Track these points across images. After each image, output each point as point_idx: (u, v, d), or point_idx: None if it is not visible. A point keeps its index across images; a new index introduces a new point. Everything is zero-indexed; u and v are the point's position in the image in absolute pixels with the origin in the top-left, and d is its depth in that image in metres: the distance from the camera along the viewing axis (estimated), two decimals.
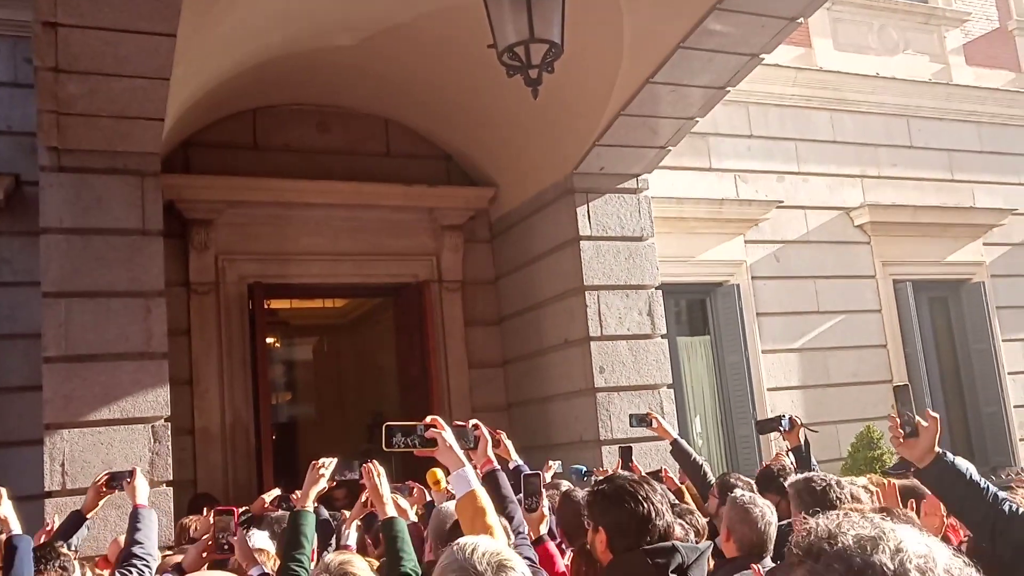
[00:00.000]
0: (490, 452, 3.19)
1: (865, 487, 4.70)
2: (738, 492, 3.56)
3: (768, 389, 9.59)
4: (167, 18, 5.02)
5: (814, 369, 9.83)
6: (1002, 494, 2.70)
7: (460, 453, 2.75)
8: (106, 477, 4.41)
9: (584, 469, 6.15)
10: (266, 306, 8.66)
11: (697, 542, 3.31)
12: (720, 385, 9.57)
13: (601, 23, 6.65)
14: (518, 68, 5.15)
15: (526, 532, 3.05)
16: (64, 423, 5.85)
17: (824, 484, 3.40)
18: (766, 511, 3.34)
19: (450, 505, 3.56)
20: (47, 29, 5.01)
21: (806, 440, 5.26)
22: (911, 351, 10.26)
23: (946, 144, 11.13)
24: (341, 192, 8.25)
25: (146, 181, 6.21)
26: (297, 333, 13.71)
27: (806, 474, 3.63)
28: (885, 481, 4.29)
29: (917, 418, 2.75)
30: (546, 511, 3.51)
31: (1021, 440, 10.76)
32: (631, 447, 6.35)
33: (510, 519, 2.98)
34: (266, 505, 5.23)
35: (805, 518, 1.30)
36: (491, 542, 1.99)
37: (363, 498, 4.60)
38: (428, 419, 2.82)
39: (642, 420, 5.78)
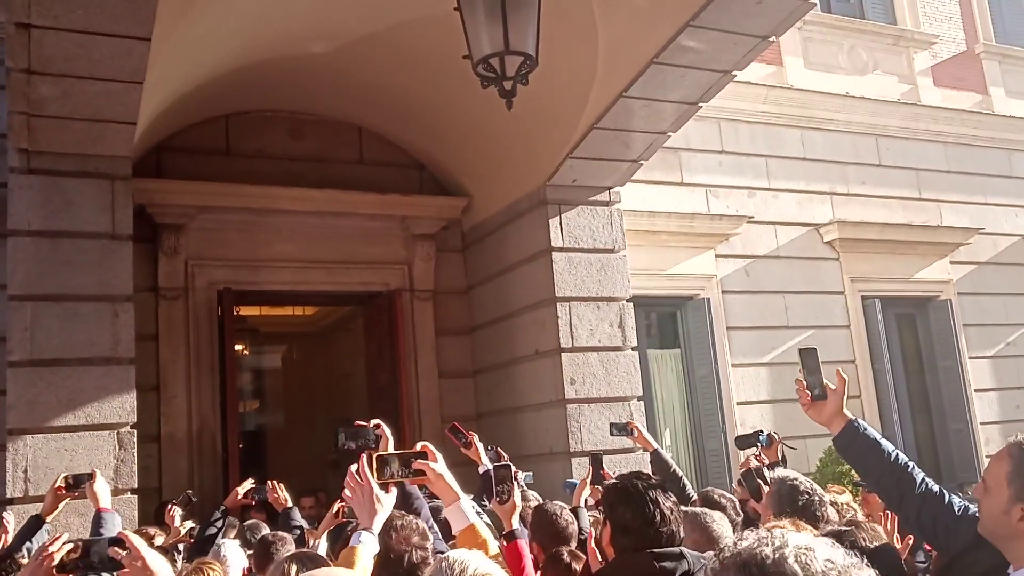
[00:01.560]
0: (391, 451, 3.14)
1: (848, 504, 4.74)
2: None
3: (737, 403, 9.66)
4: (141, 21, 5.00)
5: (783, 383, 9.89)
6: (921, 474, 2.62)
7: (454, 484, 2.71)
8: (64, 481, 4.35)
9: (576, 483, 6.12)
10: (236, 312, 8.59)
11: None
12: (690, 398, 9.62)
13: (576, 37, 6.70)
14: (493, 79, 5.17)
15: (437, 528, 3.06)
16: (28, 428, 5.76)
17: (807, 498, 3.33)
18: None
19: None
20: (20, 30, 4.97)
21: (783, 456, 5.31)
22: (879, 367, 10.38)
23: (914, 163, 11.30)
24: (314, 199, 8.23)
25: (117, 185, 6.16)
26: (266, 340, 13.60)
27: (794, 478, 3.53)
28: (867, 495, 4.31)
29: (826, 381, 2.74)
30: (518, 501, 3.49)
31: (987, 457, 10.91)
32: (601, 455, 6.35)
33: (417, 514, 2.99)
34: (239, 497, 5.19)
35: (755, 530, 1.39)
36: (480, 558, 2.00)
37: (334, 509, 4.58)
38: (419, 446, 2.80)
39: (623, 429, 5.79)
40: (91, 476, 4.23)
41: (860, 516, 4.17)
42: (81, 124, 5.77)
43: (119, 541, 2.31)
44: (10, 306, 5.86)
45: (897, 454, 2.68)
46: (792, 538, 1.29)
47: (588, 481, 5.63)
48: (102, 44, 5.16)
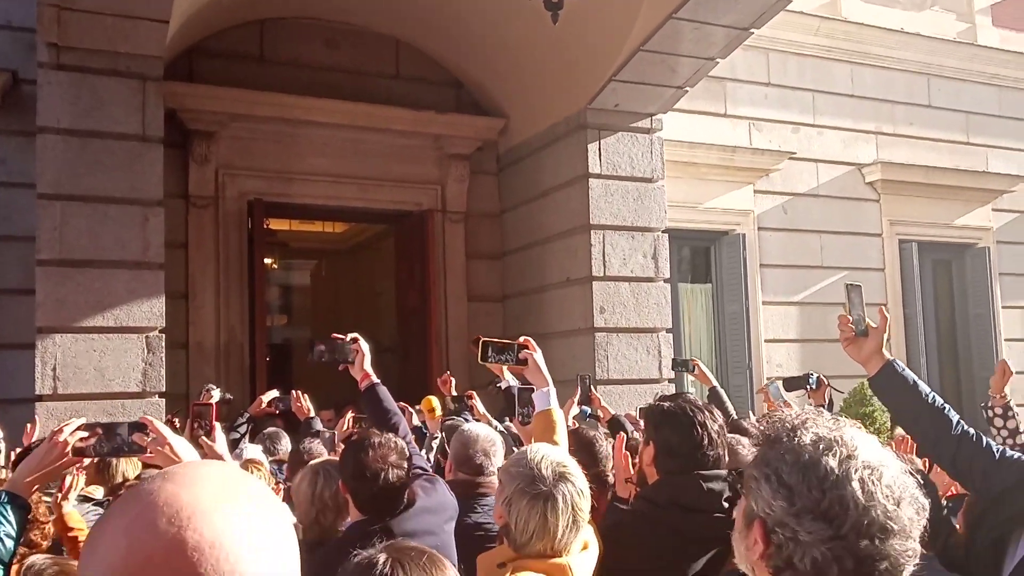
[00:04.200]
0: (368, 367, 3.19)
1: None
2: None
3: (765, 340, 9.55)
4: None
5: (812, 323, 9.77)
6: (956, 416, 2.53)
7: (547, 374, 2.90)
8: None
9: (588, 411, 6.08)
10: (265, 225, 8.53)
11: None
12: (718, 334, 9.52)
13: None
14: None
15: (412, 440, 3.14)
16: (56, 327, 5.77)
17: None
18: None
19: (475, 427, 3.71)
20: None
21: (830, 399, 5.23)
22: (911, 312, 10.21)
23: (965, 106, 10.93)
24: (348, 112, 8.05)
25: (148, 86, 6.03)
26: (296, 256, 13.59)
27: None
28: (901, 435, 4.23)
29: (868, 320, 2.64)
30: None
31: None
32: (589, 376, 6.31)
33: (395, 430, 2.99)
34: (263, 406, 5.19)
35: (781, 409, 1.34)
36: (559, 453, 2.21)
37: (346, 422, 4.55)
38: (521, 339, 2.98)
39: (683, 365, 5.74)
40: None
41: None
42: (112, 19, 5.63)
43: (142, 426, 2.20)
44: (39, 204, 5.81)
45: (934, 396, 2.59)
46: (862, 449, 1.24)
47: (576, 401, 5.59)
48: None
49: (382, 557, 1.63)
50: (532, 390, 3.54)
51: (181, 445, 2.13)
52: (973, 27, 10.98)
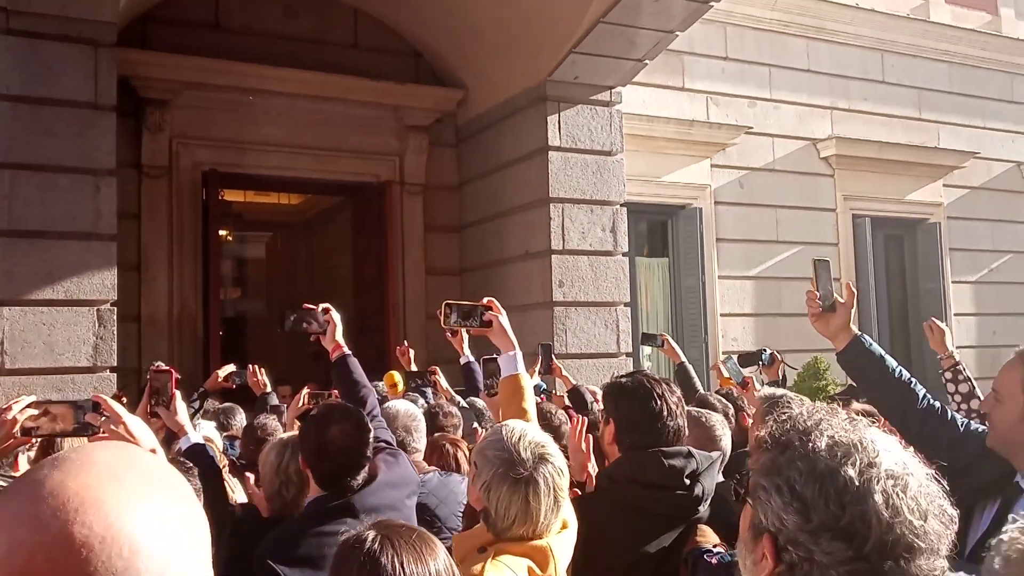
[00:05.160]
0: (339, 338, 3.17)
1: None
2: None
3: (721, 315, 9.67)
4: None
5: (767, 298, 9.92)
6: (923, 390, 2.61)
7: (513, 337, 2.83)
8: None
9: (544, 385, 6.10)
10: (220, 196, 8.39)
11: None
12: (675, 307, 9.62)
13: None
14: None
15: (380, 416, 3.10)
16: (4, 300, 5.62)
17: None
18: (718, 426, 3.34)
19: (395, 404, 3.77)
20: None
21: (783, 375, 5.30)
22: (863, 286, 10.39)
23: (917, 82, 11.10)
24: (305, 82, 7.93)
25: (100, 52, 5.87)
26: (250, 228, 13.40)
27: (780, 395, 3.50)
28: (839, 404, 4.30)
29: (835, 295, 2.69)
30: None
31: None
32: (551, 345, 6.33)
33: (363, 403, 2.98)
34: (219, 380, 5.12)
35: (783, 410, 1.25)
36: (536, 431, 2.15)
37: (301, 398, 4.51)
38: (485, 300, 2.88)
39: (652, 340, 5.75)
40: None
41: None
42: None
43: (95, 405, 2.12)
44: None
45: (900, 370, 2.65)
46: (884, 455, 1.12)
47: (538, 370, 5.62)
48: None
49: (371, 534, 1.61)
50: (495, 360, 3.54)
51: (136, 424, 2.06)
52: (926, 4, 11.12)
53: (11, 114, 5.63)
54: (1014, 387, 2.20)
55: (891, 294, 10.94)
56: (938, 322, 4.38)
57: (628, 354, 7.83)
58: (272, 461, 2.87)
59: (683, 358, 5.46)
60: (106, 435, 2.05)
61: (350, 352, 3.18)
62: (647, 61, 7.70)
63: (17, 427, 2.14)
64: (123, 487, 0.72)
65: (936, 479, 1.16)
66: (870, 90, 10.76)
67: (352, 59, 8.36)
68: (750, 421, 3.99)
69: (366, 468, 2.66)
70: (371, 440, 2.69)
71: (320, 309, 3.18)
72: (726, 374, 5.35)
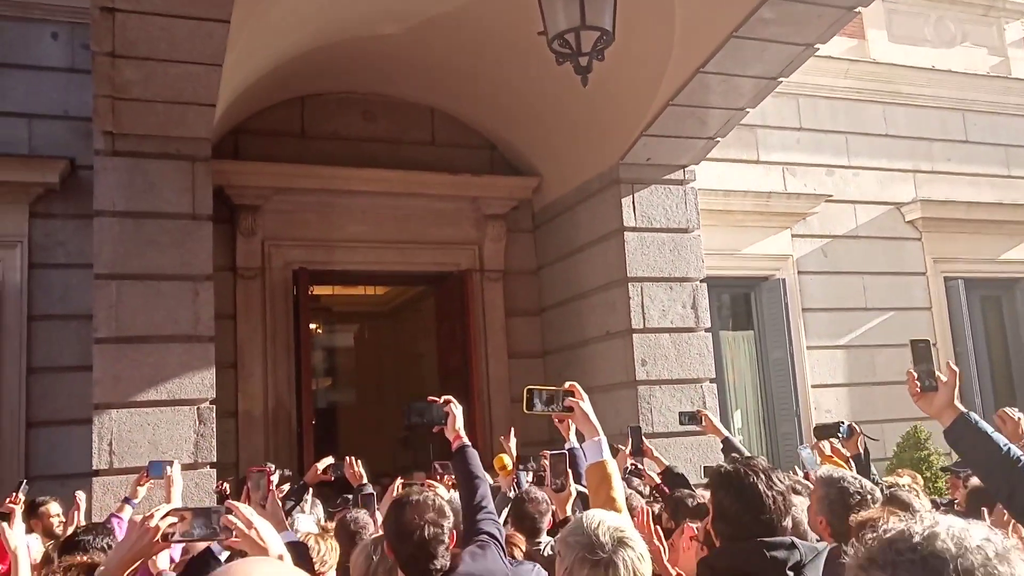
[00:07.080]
0: (459, 428, 3.22)
1: (911, 485, 4.57)
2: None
3: (813, 386, 9.46)
4: (221, 4, 5.06)
5: (860, 366, 9.67)
6: None
7: (596, 422, 2.80)
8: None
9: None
10: (310, 292, 8.73)
11: None
12: (763, 381, 9.45)
13: (652, 11, 6.57)
14: (568, 55, 5.11)
15: (492, 508, 3.08)
16: (113, 403, 5.95)
17: (859, 499, 3.15)
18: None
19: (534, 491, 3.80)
20: (105, 14, 5.08)
21: (866, 449, 5.09)
22: (961, 350, 10.04)
23: (1002, 139, 10.87)
24: (386, 180, 8.28)
25: (197, 166, 6.29)
26: (339, 319, 13.81)
27: (840, 477, 3.31)
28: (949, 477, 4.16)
29: (937, 372, 2.65)
30: (574, 491, 3.53)
31: None
32: (640, 427, 6.28)
33: (473, 493, 3.01)
34: (319, 473, 5.24)
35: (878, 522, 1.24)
36: (616, 518, 2.20)
37: (394, 487, 4.58)
38: (567, 385, 2.87)
39: (692, 418, 5.67)
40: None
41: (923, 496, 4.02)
42: (163, 106, 5.89)
43: (227, 511, 2.21)
44: (95, 284, 6.04)
45: (1009, 447, 2.60)
46: (944, 519, 1.11)
47: (628, 452, 5.56)
48: (183, 27, 5.25)
49: None
50: (564, 457, 3.55)
51: (266, 529, 2.16)
52: (1006, 60, 10.96)
53: (117, 228, 6.06)
54: None
55: (992, 356, 10.53)
56: (1010, 411, 4.23)
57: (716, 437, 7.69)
58: (362, 564, 2.93)
59: (726, 433, 5.35)
60: (238, 539, 2.16)
61: (469, 443, 3.24)
62: (719, 139, 7.78)
63: (159, 535, 2.28)
64: None
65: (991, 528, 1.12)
66: (953, 150, 10.59)
67: (430, 155, 8.70)
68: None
69: (443, 551, 2.65)
70: (449, 527, 2.69)
71: (441, 401, 3.26)
72: (808, 466, 5.04)
